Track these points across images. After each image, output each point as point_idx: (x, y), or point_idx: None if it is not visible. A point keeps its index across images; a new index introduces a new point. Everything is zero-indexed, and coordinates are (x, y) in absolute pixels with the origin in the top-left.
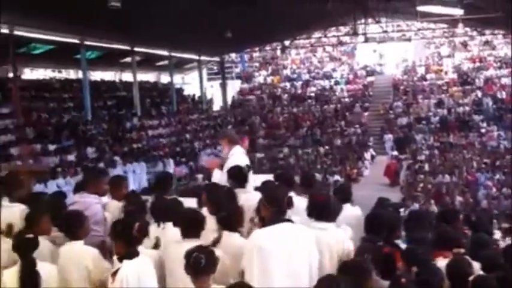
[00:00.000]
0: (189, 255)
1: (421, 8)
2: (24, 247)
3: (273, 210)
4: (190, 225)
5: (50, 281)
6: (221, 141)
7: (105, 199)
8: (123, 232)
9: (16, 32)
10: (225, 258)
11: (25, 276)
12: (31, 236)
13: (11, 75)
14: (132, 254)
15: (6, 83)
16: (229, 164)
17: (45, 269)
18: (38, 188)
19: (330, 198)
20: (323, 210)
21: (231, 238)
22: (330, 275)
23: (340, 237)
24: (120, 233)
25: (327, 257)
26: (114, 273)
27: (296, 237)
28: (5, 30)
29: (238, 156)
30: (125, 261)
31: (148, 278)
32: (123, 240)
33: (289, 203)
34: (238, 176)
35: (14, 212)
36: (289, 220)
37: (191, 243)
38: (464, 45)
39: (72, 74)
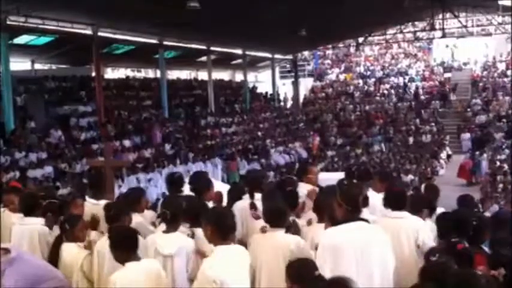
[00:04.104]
0: None
1: (502, 2)
2: None
3: (348, 208)
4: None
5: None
6: None
7: None
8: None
9: (99, 34)
10: None
11: None
12: None
13: (94, 74)
14: None
15: (89, 82)
16: None
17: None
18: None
19: (405, 189)
20: (399, 200)
21: None
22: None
23: (417, 224)
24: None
25: (405, 244)
26: None
27: (369, 237)
28: (89, 32)
29: None
30: None
31: None
32: None
33: (365, 202)
34: None
35: (101, 209)
36: (364, 219)
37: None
38: None
39: (150, 73)
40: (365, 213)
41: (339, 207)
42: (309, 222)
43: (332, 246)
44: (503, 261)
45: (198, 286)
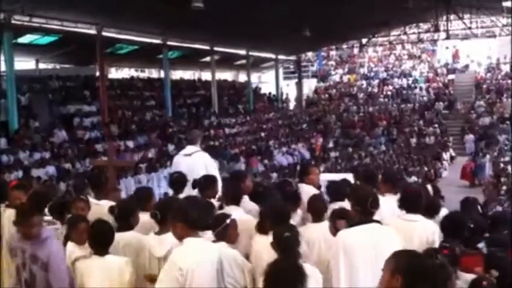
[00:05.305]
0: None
1: (507, 3)
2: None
3: (360, 210)
4: None
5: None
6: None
7: None
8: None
9: (103, 33)
10: None
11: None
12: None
13: (98, 74)
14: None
15: (93, 81)
16: None
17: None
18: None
19: (421, 191)
20: (414, 202)
21: None
22: None
23: (431, 228)
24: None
25: (417, 247)
26: None
27: (383, 239)
28: (93, 32)
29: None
30: None
31: None
32: None
33: (376, 204)
34: None
35: (103, 209)
36: (376, 221)
37: None
38: None
39: (154, 73)
40: (376, 214)
41: (352, 209)
42: None
43: (346, 247)
44: (499, 262)
45: (164, 271)
